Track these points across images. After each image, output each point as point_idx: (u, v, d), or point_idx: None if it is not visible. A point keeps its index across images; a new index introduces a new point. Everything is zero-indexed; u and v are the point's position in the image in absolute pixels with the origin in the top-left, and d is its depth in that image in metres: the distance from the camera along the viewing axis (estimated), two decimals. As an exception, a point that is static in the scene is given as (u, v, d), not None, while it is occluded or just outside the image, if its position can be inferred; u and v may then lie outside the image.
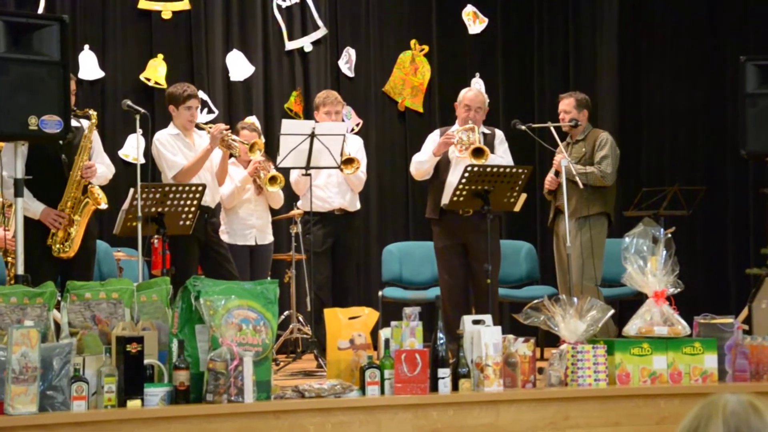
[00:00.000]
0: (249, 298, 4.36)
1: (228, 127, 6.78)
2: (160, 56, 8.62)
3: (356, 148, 7.06)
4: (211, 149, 6.58)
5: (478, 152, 6.57)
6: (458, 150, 6.71)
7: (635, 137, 9.34)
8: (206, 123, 6.99)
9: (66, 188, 5.86)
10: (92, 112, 6.03)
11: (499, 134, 7.00)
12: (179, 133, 6.66)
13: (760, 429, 1.78)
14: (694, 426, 1.81)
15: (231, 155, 6.83)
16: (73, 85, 5.74)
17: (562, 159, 6.63)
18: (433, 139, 6.97)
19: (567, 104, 7.11)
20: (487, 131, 6.92)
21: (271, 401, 4.29)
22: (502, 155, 6.87)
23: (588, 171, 6.91)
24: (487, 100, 7.02)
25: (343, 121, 7.38)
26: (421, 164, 6.91)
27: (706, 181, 9.00)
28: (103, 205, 5.95)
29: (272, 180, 6.87)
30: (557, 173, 6.67)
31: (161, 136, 6.63)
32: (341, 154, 6.55)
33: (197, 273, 6.32)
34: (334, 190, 7.01)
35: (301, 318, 7.83)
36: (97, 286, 4.49)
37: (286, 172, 6.98)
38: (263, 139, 8.34)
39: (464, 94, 6.98)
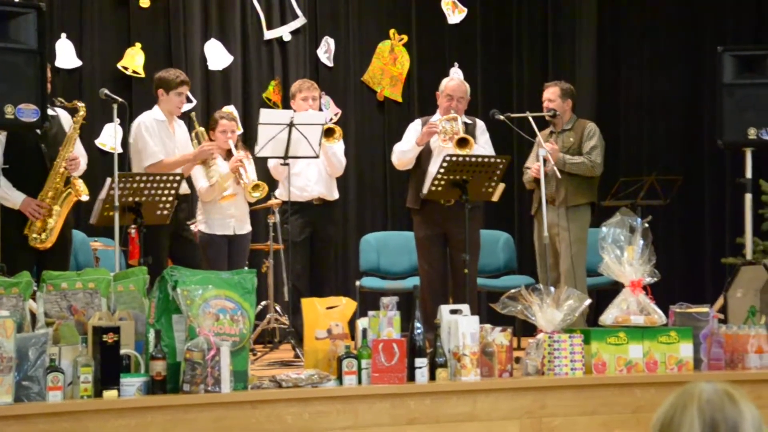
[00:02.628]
0: (226, 287, 4.36)
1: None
2: (138, 45, 8.57)
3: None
4: (192, 160, 6.62)
5: (462, 142, 6.57)
6: (441, 140, 6.72)
7: (613, 127, 9.35)
8: (183, 112, 6.97)
9: (48, 178, 5.82)
10: (80, 104, 5.98)
11: (480, 124, 7.01)
12: (164, 120, 6.65)
13: (735, 417, 1.79)
14: (670, 414, 1.81)
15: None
16: (48, 74, 5.71)
17: (540, 149, 6.64)
18: (415, 129, 6.97)
19: (552, 93, 7.13)
20: (468, 121, 6.92)
21: (249, 391, 4.29)
22: (483, 146, 6.87)
23: (578, 161, 6.94)
24: (469, 90, 7.02)
25: (320, 107, 7.37)
26: (404, 154, 6.90)
27: (683, 171, 9.03)
28: (85, 197, 5.94)
29: (255, 187, 6.86)
30: (545, 162, 6.67)
31: (147, 120, 6.60)
32: (321, 136, 6.53)
33: (167, 262, 6.33)
34: (313, 178, 7.00)
35: (278, 308, 7.82)
36: (73, 275, 4.48)
37: (264, 160, 6.97)
38: (241, 129, 8.34)
39: (446, 84, 6.97)
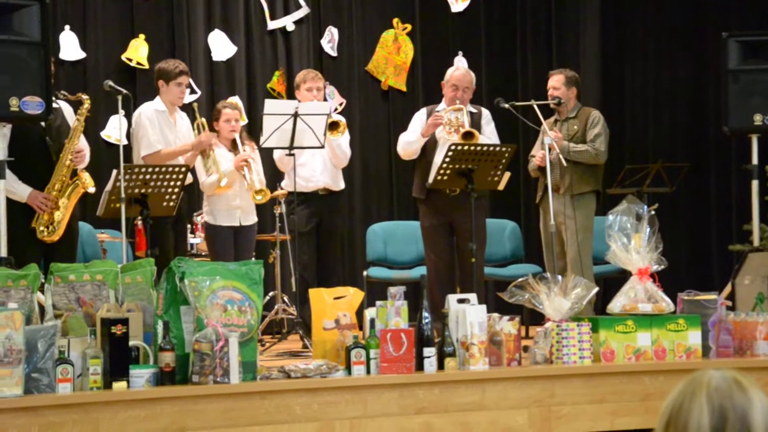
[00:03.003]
0: (234, 278, 4.36)
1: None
2: (142, 36, 8.56)
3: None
4: (191, 150, 6.62)
5: (468, 136, 6.56)
6: (447, 132, 6.71)
7: (618, 115, 9.34)
8: (187, 103, 6.96)
9: (55, 171, 5.83)
10: (85, 97, 5.98)
11: (486, 114, 6.99)
12: (165, 111, 6.65)
13: (744, 405, 1.78)
14: (679, 402, 1.81)
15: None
16: (52, 66, 5.70)
17: (545, 137, 6.63)
18: (420, 119, 6.96)
19: (557, 81, 7.11)
20: (474, 110, 6.90)
21: (257, 382, 4.29)
22: (489, 135, 6.86)
23: (581, 149, 6.93)
24: (474, 79, 6.99)
25: (325, 98, 7.36)
26: (409, 144, 6.89)
27: (689, 158, 9.02)
28: (91, 189, 5.94)
29: (258, 192, 6.84)
30: (550, 150, 6.66)
31: (147, 111, 6.60)
32: (326, 126, 6.52)
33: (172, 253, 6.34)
34: (319, 168, 7.00)
35: (286, 298, 7.82)
36: (81, 268, 4.48)
37: (269, 151, 6.96)
38: (245, 120, 8.34)
39: (452, 74, 6.95)
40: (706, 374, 1.83)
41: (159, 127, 6.61)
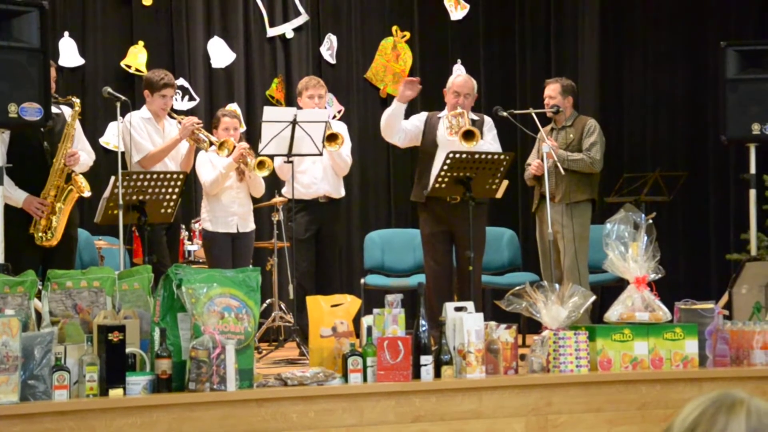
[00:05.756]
0: (231, 286, 4.36)
1: (200, 122, 6.76)
2: (141, 43, 8.57)
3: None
4: (179, 140, 6.61)
5: (468, 135, 6.56)
6: (449, 134, 6.71)
7: (616, 123, 9.36)
8: (186, 110, 6.96)
9: (49, 176, 5.83)
10: (75, 100, 6.00)
11: (488, 121, 6.99)
12: (151, 118, 6.67)
13: None
14: (713, 410, 1.75)
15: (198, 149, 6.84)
16: (53, 72, 5.71)
17: (543, 145, 6.64)
18: (418, 117, 6.99)
19: (552, 89, 7.13)
20: (475, 117, 6.91)
21: (254, 389, 4.29)
22: (491, 142, 6.86)
23: (577, 158, 6.93)
24: (476, 86, 7.00)
25: (325, 106, 7.36)
26: (389, 116, 6.81)
27: (687, 166, 9.03)
28: (87, 193, 5.94)
29: (260, 165, 6.83)
30: (547, 158, 6.66)
31: (133, 118, 6.61)
32: (324, 138, 6.53)
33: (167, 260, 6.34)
34: (319, 176, 6.99)
35: (283, 306, 7.82)
36: (78, 274, 4.47)
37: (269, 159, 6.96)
38: (244, 127, 8.34)
39: (453, 80, 6.97)
40: (737, 393, 1.79)
41: (147, 133, 6.63)
